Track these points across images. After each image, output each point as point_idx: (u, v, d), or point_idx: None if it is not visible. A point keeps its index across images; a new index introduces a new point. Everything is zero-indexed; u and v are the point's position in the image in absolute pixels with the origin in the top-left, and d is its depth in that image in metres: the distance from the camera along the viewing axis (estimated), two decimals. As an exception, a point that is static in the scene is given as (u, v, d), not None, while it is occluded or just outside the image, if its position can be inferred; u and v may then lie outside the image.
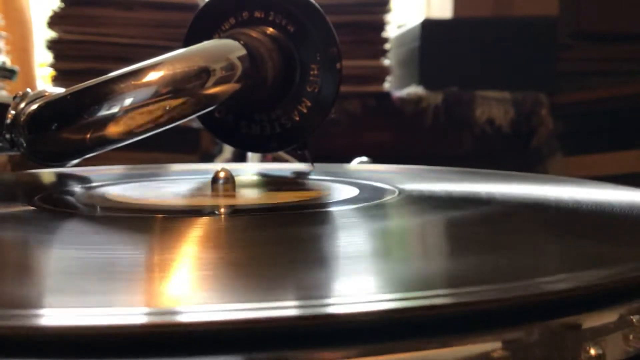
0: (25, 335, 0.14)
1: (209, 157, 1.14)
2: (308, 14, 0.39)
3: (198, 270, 0.20)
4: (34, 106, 0.31)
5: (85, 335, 0.14)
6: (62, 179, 0.40)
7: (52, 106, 0.31)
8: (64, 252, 0.22)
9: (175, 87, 0.31)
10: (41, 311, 0.15)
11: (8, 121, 0.32)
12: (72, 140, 0.31)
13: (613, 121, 1.29)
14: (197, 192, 0.35)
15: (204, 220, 0.27)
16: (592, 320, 0.16)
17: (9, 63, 1.10)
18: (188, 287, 0.18)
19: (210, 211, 0.29)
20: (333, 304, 0.15)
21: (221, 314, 0.14)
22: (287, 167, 0.48)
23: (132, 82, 0.30)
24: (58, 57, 1.18)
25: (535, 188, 0.35)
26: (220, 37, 0.39)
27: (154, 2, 1.17)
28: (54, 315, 0.15)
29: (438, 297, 0.16)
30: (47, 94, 0.32)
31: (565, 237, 0.24)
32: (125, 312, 0.15)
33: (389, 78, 1.24)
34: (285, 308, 0.15)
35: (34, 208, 0.28)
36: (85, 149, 0.31)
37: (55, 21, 1.17)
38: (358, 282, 0.18)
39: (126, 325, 0.14)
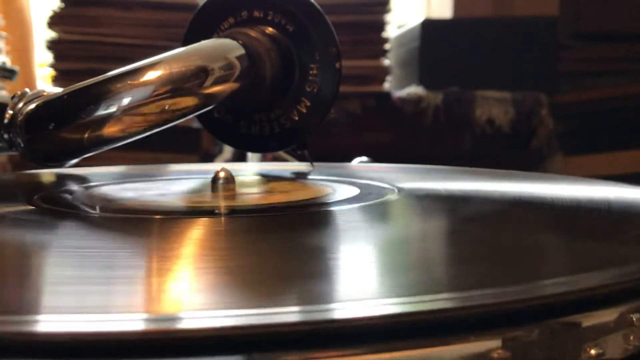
0: (22, 341, 0.14)
1: (209, 157, 1.14)
2: (307, 13, 0.39)
3: (197, 273, 0.19)
4: (32, 106, 0.31)
5: (82, 341, 0.14)
6: (62, 178, 0.40)
7: (49, 106, 0.31)
8: (62, 253, 0.22)
9: (173, 86, 0.31)
10: (38, 316, 0.15)
11: (6, 121, 0.32)
12: (69, 140, 0.30)
13: (613, 121, 1.29)
14: (197, 192, 0.35)
15: (203, 220, 0.27)
16: (592, 320, 0.16)
17: (9, 63, 1.10)
18: (187, 292, 0.18)
19: (210, 211, 0.28)
20: (334, 309, 0.15)
21: (221, 320, 0.14)
22: (287, 167, 0.48)
23: (130, 82, 0.30)
24: (58, 57, 1.18)
25: (535, 187, 0.35)
26: (219, 37, 0.39)
27: (154, 2, 1.17)
28: (51, 320, 0.15)
29: (438, 302, 0.16)
30: (45, 93, 0.32)
31: (566, 237, 0.24)
32: (123, 317, 0.15)
33: (389, 78, 1.24)
34: (286, 313, 0.15)
35: (33, 207, 0.28)
36: (83, 148, 0.31)
37: (55, 21, 1.17)
38: (358, 286, 0.18)
39: (123, 332, 0.14)
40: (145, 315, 0.15)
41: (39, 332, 0.14)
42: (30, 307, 0.16)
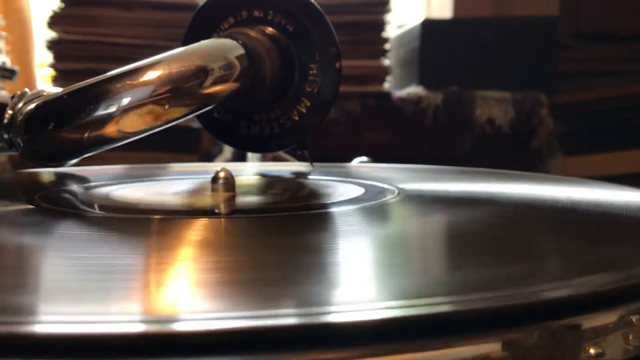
0: (19, 342, 0.14)
1: (209, 157, 1.14)
2: (307, 13, 0.39)
3: (196, 274, 0.19)
4: (31, 106, 0.31)
5: (80, 342, 0.14)
6: (63, 178, 0.40)
7: (49, 106, 0.31)
8: (61, 253, 0.22)
9: (173, 86, 0.31)
10: (36, 317, 0.15)
11: (6, 121, 0.32)
12: (69, 140, 0.30)
13: (613, 121, 1.29)
14: (197, 192, 0.35)
15: (203, 221, 0.27)
16: (592, 321, 0.16)
17: (9, 63, 1.10)
18: (185, 293, 0.17)
19: (209, 212, 0.28)
20: (332, 312, 0.15)
21: (218, 322, 0.14)
22: (287, 167, 0.48)
23: (130, 82, 0.30)
24: (58, 57, 1.18)
25: (535, 188, 0.35)
26: (219, 37, 0.39)
27: (154, 2, 1.17)
28: (49, 321, 0.15)
29: (437, 305, 0.16)
30: (44, 93, 0.32)
31: (566, 239, 0.24)
32: (121, 319, 0.15)
33: (389, 78, 1.24)
34: (284, 316, 0.15)
35: (33, 207, 0.28)
36: (82, 148, 0.31)
37: (55, 21, 1.17)
38: (358, 288, 0.18)
39: (121, 334, 0.14)
40: (143, 317, 0.15)
41: (36, 333, 0.14)
42: (28, 308, 0.16)
